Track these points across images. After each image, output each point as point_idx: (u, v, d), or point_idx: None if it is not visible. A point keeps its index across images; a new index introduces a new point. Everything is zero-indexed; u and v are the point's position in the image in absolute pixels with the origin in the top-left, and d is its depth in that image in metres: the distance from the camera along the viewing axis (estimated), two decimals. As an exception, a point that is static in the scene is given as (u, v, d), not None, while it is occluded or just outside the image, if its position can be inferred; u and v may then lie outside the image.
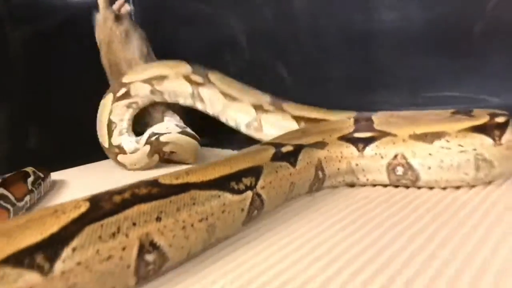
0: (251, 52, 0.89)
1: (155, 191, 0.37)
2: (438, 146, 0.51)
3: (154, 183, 0.38)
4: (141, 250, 0.35)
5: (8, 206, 0.54)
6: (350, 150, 0.56)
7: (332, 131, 0.57)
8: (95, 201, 0.34)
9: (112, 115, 0.80)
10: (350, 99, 0.77)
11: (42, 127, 0.86)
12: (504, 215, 0.44)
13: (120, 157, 0.79)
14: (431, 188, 0.54)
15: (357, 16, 0.76)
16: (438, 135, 0.51)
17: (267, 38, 0.87)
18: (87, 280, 0.31)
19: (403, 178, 0.54)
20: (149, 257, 0.35)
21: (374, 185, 0.57)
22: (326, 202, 0.52)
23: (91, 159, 0.89)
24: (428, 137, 0.51)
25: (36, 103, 0.85)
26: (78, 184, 0.74)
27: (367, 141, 0.55)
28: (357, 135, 0.56)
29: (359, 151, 0.55)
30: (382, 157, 0.54)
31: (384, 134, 0.54)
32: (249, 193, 0.45)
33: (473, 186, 0.53)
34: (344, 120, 0.59)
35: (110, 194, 0.35)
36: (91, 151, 0.87)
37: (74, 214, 0.32)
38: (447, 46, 0.69)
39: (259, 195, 0.46)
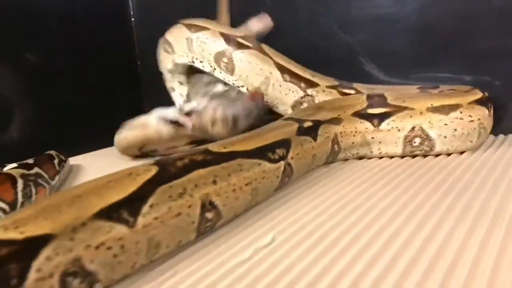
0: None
1: (209, 158, 0.41)
2: (453, 117, 0.56)
3: (206, 151, 0.42)
4: (203, 208, 0.38)
5: (45, 184, 0.56)
6: (364, 125, 0.61)
7: (346, 107, 0.62)
8: (162, 165, 0.37)
9: None
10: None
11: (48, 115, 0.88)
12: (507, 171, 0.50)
13: None
14: (437, 156, 0.59)
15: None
16: (453, 108, 0.57)
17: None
18: (162, 233, 0.35)
19: (418, 149, 0.59)
20: (209, 215, 0.39)
21: (384, 157, 0.62)
22: (344, 171, 0.57)
23: (96, 146, 0.91)
24: (445, 109, 0.57)
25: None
26: (93, 168, 0.76)
27: (383, 116, 0.60)
28: (371, 111, 0.60)
29: (374, 126, 0.60)
30: (399, 130, 0.59)
31: (400, 108, 0.59)
32: (282, 163, 0.49)
33: (471, 151, 0.59)
34: (357, 96, 0.64)
35: (173, 159, 0.39)
36: (95, 138, 0.89)
37: (147, 176, 0.36)
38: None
39: (289, 165, 0.50)
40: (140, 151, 0.74)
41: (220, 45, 0.75)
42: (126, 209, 0.33)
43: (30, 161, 0.59)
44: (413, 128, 0.58)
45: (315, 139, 0.56)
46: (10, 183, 0.52)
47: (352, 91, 0.69)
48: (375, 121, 0.60)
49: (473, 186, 0.47)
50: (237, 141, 0.46)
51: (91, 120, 0.90)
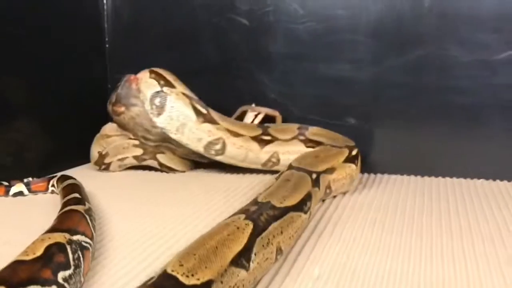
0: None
1: (276, 213, 0.55)
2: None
3: (273, 207, 0.56)
4: (276, 253, 0.53)
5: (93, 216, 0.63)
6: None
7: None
8: (253, 220, 0.51)
9: None
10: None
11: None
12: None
13: None
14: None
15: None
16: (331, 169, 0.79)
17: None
18: (260, 274, 0.49)
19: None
20: (278, 257, 0.54)
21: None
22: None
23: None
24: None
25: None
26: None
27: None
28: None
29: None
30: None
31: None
32: (309, 212, 0.65)
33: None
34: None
35: (258, 215, 0.53)
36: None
37: (249, 230, 0.49)
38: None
39: (310, 212, 0.66)
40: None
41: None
42: (244, 257, 0.47)
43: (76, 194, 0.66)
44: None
45: (319, 188, 0.73)
46: (84, 219, 0.56)
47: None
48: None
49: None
50: (286, 197, 0.60)
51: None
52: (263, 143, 0.93)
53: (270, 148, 0.93)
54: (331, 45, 0.97)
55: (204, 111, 0.90)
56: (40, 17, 0.94)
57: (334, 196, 0.81)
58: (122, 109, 0.93)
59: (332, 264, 0.55)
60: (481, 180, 0.91)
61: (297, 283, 0.50)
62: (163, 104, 0.90)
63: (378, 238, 0.62)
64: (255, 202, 0.57)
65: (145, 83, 0.91)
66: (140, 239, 0.63)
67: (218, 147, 0.91)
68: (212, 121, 0.90)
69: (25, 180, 0.83)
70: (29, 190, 0.82)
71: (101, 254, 0.58)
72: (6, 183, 0.82)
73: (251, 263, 0.47)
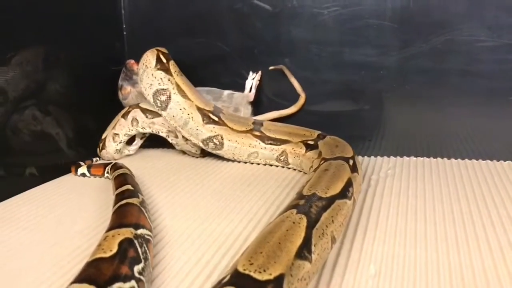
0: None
1: (324, 204, 0.56)
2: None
3: (320, 198, 0.57)
4: (331, 242, 0.54)
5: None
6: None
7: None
8: (306, 213, 0.52)
9: None
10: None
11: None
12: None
13: None
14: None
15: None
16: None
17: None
18: (320, 264, 0.51)
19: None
20: (333, 245, 0.55)
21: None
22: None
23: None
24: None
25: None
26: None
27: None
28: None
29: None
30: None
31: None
32: (352, 198, 0.66)
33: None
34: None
35: (308, 207, 0.54)
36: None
37: (304, 223, 0.50)
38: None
39: (354, 198, 0.67)
40: None
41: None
42: (306, 249, 0.48)
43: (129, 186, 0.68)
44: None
45: (358, 172, 0.73)
46: (142, 213, 0.59)
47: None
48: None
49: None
50: (328, 187, 0.61)
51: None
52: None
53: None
54: (356, 30, 0.97)
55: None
56: (56, 4, 0.93)
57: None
58: (128, 89, 1.01)
59: (385, 258, 0.56)
60: (507, 162, 0.92)
61: (356, 281, 0.51)
62: (167, 102, 0.94)
63: (422, 228, 0.63)
64: (301, 195, 0.58)
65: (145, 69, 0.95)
66: (189, 227, 0.66)
67: None
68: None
69: (88, 163, 0.94)
70: (90, 173, 0.91)
71: (158, 243, 0.61)
72: (82, 163, 0.94)
73: (312, 254, 0.48)
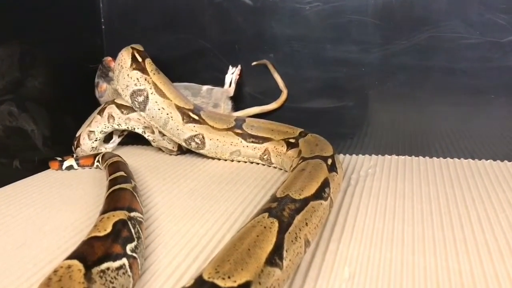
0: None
1: (298, 206, 0.55)
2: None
3: (293, 200, 0.55)
4: (305, 246, 0.53)
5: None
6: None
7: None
8: (277, 217, 0.51)
9: None
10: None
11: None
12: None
13: None
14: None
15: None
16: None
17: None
18: (292, 270, 0.49)
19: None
20: (306, 249, 0.54)
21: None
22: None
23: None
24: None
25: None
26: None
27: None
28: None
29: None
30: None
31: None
32: (329, 199, 0.64)
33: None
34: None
35: (280, 210, 0.52)
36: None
37: (275, 227, 0.49)
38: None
39: (331, 199, 0.66)
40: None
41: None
42: (277, 255, 0.46)
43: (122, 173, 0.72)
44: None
45: (337, 172, 0.72)
46: (134, 197, 0.62)
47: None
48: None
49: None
50: (303, 188, 0.60)
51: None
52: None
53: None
54: (338, 26, 0.95)
55: None
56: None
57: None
58: (104, 86, 1.00)
59: (360, 260, 0.55)
60: (489, 160, 0.91)
61: (329, 285, 0.50)
62: (145, 103, 0.92)
63: (400, 229, 0.62)
64: (274, 198, 0.56)
65: (121, 68, 0.93)
66: (162, 228, 0.65)
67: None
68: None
69: (75, 156, 0.95)
70: (78, 165, 0.92)
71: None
72: (60, 158, 0.93)
73: (283, 260, 0.47)
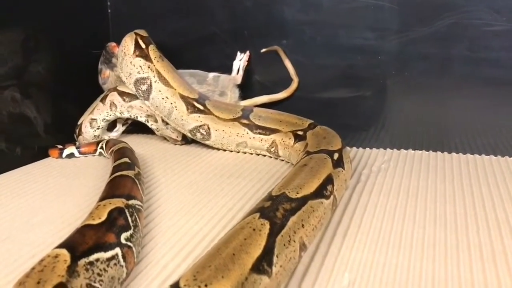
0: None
1: (294, 206, 0.50)
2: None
3: (289, 199, 0.51)
4: (300, 250, 0.48)
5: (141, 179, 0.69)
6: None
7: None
8: (269, 218, 0.46)
9: None
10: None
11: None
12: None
13: None
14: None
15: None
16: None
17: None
18: (283, 278, 0.45)
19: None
20: (302, 253, 0.49)
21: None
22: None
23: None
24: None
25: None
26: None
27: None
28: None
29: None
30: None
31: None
32: (332, 197, 0.59)
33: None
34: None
35: (273, 211, 0.48)
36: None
37: (266, 230, 0.45)
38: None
39: (335, 197, 0.61)
40: None
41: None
42: (265, 261, 0.42)
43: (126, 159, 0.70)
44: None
45: (343, 167, 0.67)
46: (136, 185, 0.61)
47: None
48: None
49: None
50: (302, 185, 0.55)
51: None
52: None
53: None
54: (353, 11, 0.89)
55: None
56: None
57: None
58: (107, 72, 0.96)
59: (362, 265, 0.50)
60: (514, 157, 0.85)
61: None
62: (149, 91, 0.89)
63: (409, 231, 0.57)
64: (269, 196, 0.52)
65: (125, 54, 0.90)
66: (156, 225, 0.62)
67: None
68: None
69: (76, 144, 0.92)
70: (80, 152, 0.90)
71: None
72: (60, 146, 0.90)
73: (273, 267, 0.42)
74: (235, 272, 0.38)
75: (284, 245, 0.45)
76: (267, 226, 0.45)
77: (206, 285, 0.36)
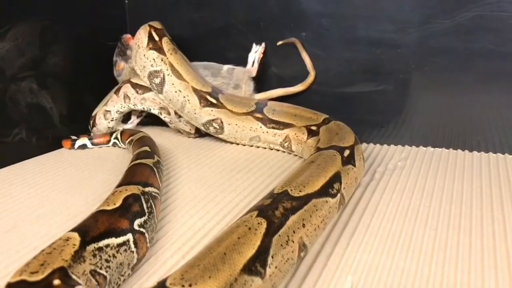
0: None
1: (295, 204, 0.48)
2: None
3: (290, 197, 0.49)
4: (299, 251, 0.46)
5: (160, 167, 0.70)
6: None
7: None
8: (267, 217, 0.44)
9: None
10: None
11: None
12: None
13: None
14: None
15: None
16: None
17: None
18: (279, 279, 0.43)
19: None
20: (302, 254, 0.47)
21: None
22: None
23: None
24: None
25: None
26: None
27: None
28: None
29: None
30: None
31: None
32: (339, 196, 0.57)
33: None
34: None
35: (271, 209, 0.46)
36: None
37: (262, 229, 0.43)
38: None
39: (342, 195, 0.59)
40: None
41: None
42: (259, 262, 0.40)
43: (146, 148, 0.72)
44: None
45: (354, 165, 0.64)
46: (152, 172, 0.62)
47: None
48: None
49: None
50: (307, 183, 0.53)
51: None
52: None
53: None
54: (372, 2, 0.86)
55: None
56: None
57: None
58: (122, 64, 0.95)
59: (367, 268, 0.48)
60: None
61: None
62: (162, 84, 0.88)
63: (420, 233, 0.54)
64: (271, 194, 0.50)
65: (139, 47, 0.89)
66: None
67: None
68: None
69: (90, 135, 0.93)
70: (92, 143, 0.90)
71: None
72: (74, 137, 0.90)
73: (267, 268, 0.41)
74: (224, 272, 0.37)
75: (282, 245, 0.43)
76: (264, 225, 0.43)
77: (190, 285, 0.35)
